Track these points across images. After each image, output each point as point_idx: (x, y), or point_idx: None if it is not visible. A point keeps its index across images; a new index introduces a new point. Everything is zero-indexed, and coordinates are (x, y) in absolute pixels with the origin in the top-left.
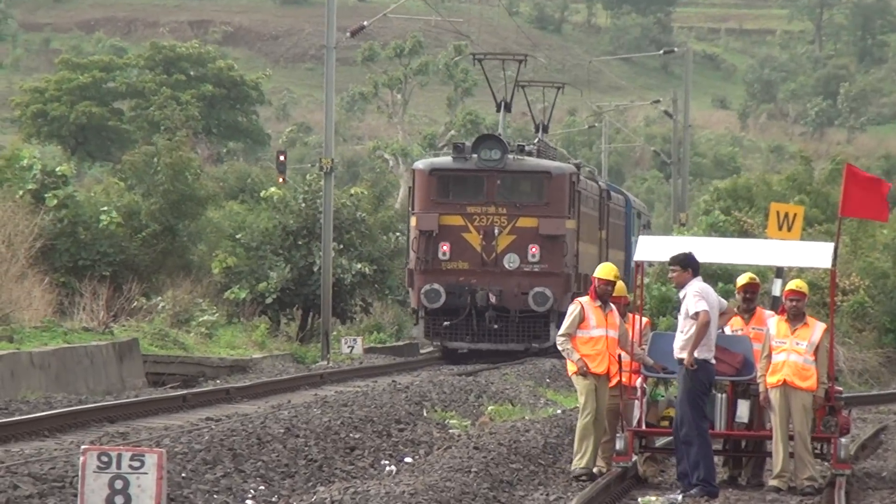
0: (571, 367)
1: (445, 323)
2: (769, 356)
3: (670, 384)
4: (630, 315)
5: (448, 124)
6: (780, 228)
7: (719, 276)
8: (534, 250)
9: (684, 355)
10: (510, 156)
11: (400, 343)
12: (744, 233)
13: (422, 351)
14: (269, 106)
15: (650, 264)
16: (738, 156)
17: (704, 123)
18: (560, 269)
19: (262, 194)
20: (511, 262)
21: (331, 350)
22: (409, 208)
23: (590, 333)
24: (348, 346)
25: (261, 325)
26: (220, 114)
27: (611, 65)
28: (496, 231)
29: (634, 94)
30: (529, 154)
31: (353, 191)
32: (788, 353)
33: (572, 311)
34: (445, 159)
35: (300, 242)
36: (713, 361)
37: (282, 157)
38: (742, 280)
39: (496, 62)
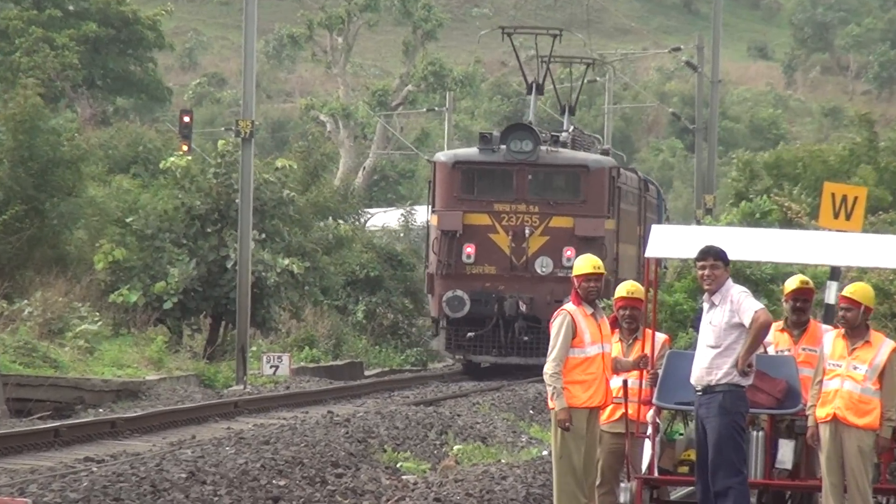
0: (559, 403)
1: (469, 334)
2: (822, 382)
3: (691, 418)
4: (643, 330)
5: (404, 76)
6: (837, 217)
7: (767, 282)
8: (569, 253)
9: (714, 378)
10: (543, 147)
11: (339, 362)
12: (787, 222)
13: (368, 373)
14: (170, 51)
15: (664, 265)
16: (783, 121)
17: (739, 78)
18: None
19: (161, 165)
20: (543, 266)
21: (248, 371)
22: (430, 206)
23: (585, 353)
24: (271, 366)
25: (157, 338)
26: (106, 61)
27: (617, 0)
28: (527, 232)
29: (648, 38)
30: (564, 145)
31: (279, 163)
32: (843, 380)
33: (561, 324)
34: (470, 151)
35: (210, 230)
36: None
37: (186, 118)
38: (792, 284)
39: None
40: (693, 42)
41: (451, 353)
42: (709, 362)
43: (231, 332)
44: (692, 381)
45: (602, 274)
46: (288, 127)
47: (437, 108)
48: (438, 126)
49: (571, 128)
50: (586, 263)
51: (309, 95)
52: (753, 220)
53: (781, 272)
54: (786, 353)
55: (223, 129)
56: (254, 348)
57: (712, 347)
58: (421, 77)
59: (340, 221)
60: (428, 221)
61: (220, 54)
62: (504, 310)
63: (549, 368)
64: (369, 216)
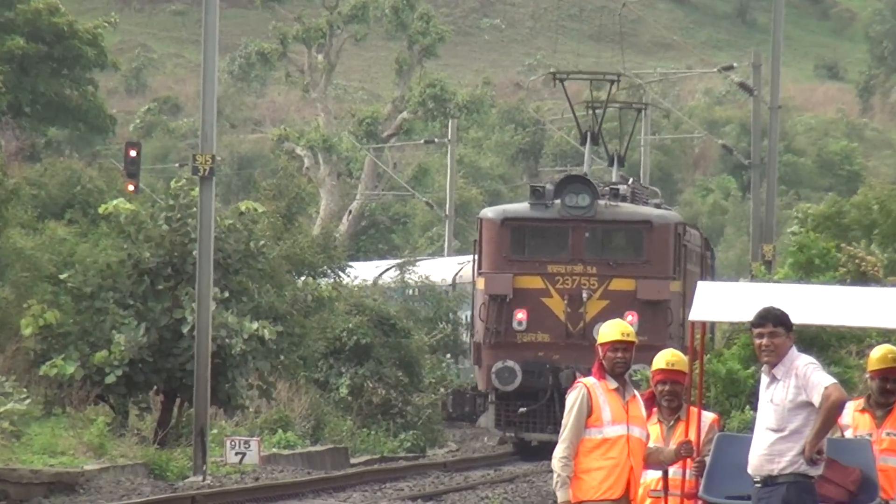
0: (561, 495)
1: (522, 409)
2: None
3: None
4: (689, 408)
5: (398, 101)
6: None
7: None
8: (631, 319)
9: (777, 468)
10: (601, 202)
11: (319, 448)
12: (862, 276)
13: (354, 461)
14: (113, 72)
15: (710, 331)
16: (857, 154)
17: (804, 103)
18: (663, 341)
19: (102, 210)
20: None
21: (208, 458)
22: (475, 267)
23: (602, 433)
24: (237, 453)
25: (98, 419)
26: (36, 83)
27: (656, 9)
28: (584, 295)
29: (693, 55)
30: (623, 198)
31: (243, 207)
32: None
33: (574, 399)
34: (521, 206)
35: (161, 288)
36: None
37: (133, 153)
38: (879, 359)
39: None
40: (748, 59)
41: (501, 431)
42: (770, 448)
43: (188, 411)
44: (749, 470)
45: (633, 343)
46: (257, 163)
47: (437, 140)
48: (439, 161)
49: (630, 180)
50: (613, 330)
51: (282, 124)
52: (811, 268)
53: (850, 333)
54: (866, 437)
55: (178, 165)
56: (215, 431)
57: (774, 431)
58: (418, 102)
59: (320, 281)
60: (473, 285)
61: (174, 75)
62: (560, 382)
63: (557, 452)
64: (353, 272)
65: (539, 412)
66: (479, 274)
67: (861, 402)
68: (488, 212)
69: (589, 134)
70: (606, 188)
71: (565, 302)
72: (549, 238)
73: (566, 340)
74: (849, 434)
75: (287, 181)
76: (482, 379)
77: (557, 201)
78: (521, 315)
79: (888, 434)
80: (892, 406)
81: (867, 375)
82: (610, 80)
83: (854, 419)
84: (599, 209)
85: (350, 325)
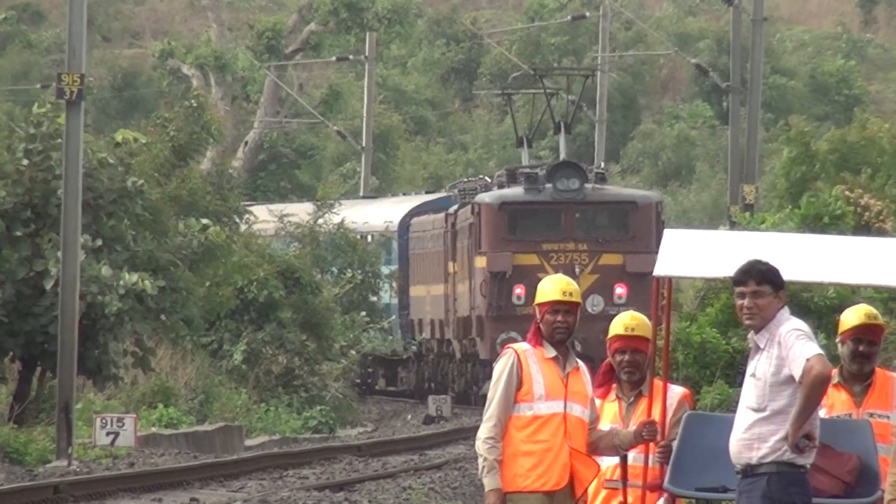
0: (488, 482)
1: None
2: None
3: None
4: (652, 382)
5: (304, 11)
6: None
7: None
8: (620, 291)
9: (757, 455)
10: (589, 185)
11: (208, 427)
12: (863, 228)
13: (249, 442)
14: None
15: (677, 287)
16: (857, 76)
17: (794, 15)
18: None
19: None
20: (595, 304)
21: (75, 439)
22: (475, 247)
23: (533, 410)
24: (109, 433)
25: None
26: None
27: None
28: (577, 270)
29: None
30: (606, 180)
31: (120, 136)
32: None
33: (502, 369)
34: (516, 191)
35: (19, 234)
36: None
37: None
38: (852, 319)
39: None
40: None
41: None
42: (749, 431)
43: (50, 382)
44: (731, 457)
45: (577, 304)
46: (136, 83)
47: (352, 57)
48: (354, 82)
49: (601, 163)
50: (553, 287)
51: (166, 37)
52: (819, 225)
53: (851, 298)
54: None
55: (40, 86)
56: (82, 406)
57: (754, 410)
58: (329, 11)
59: (209, 223)
60: (471, 264)
61: None
62: None
63: (482, 432)
64: (250, 217)
65: None
66: (479, 253)
67: (834, 374)
68: (485, 197)
69: (563, 124)
70: (594, 172)
71: None
72: (542, 219)
73: None
74: (822, 415)
75: (178, 109)
76: (485, 349)
77: (549, 185)
78: (519, 290)
79: (871, 415)
80: (872, 380)
81: (837, 340)
82: (585, 75)
83: (828, 396)
84: (588, 192)
85: (262, 276)
